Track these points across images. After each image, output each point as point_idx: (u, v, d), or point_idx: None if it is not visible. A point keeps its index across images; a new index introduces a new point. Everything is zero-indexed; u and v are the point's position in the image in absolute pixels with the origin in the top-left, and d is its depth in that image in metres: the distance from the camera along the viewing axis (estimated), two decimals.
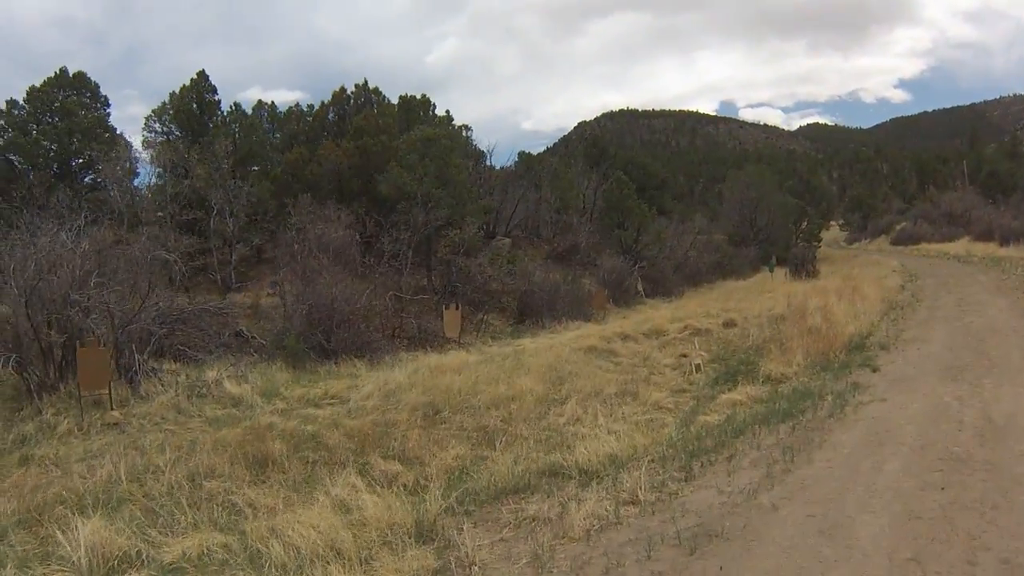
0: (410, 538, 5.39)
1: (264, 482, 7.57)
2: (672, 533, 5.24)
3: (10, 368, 12.14)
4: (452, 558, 5.05)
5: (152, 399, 12.45)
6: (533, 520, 5.74)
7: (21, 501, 7.05)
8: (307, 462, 8.33)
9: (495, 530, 5.63)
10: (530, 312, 22.72)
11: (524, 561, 5.02)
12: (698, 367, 13.33)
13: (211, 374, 13.81)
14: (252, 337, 17.93)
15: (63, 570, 5.27)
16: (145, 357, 13.80)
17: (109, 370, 12.19)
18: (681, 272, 34.79)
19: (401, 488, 6.79)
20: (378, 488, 6.79)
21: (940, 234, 51.63)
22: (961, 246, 42.62)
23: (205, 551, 5.54)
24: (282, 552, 5.20)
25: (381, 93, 34.03)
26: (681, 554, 4.93)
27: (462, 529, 5.49)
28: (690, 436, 8.09)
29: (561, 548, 5.17)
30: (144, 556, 5.52)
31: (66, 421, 11.00)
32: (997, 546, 4.84)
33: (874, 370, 10.81)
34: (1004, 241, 36.66)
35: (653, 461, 6.94)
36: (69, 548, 5.43)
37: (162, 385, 13.28)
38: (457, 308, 19.17)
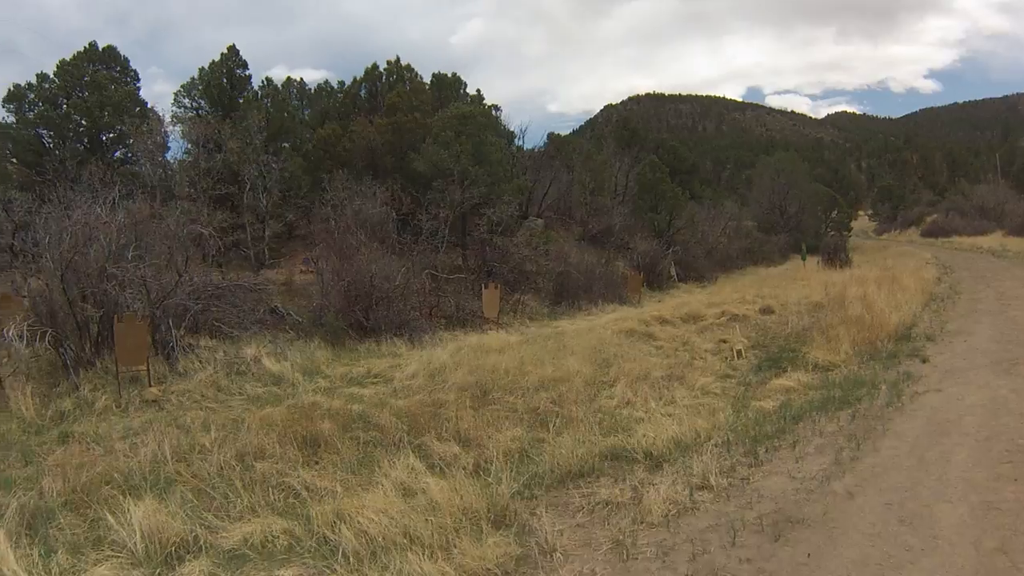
0: (487, 523, 5.32)
1: (317, 463, 7.31)
2: (752, 519, 5.26)
3: (46, 343, 11.90)
4: (533, 544, 5.01)
5: (190, 376, 12.31)
6: (606, 505, 5.73)
7: (66, 481, 6.71)
8: (359, 442, 8.06)
9: (568, 515, 5.62)
10: (566, 294, 22.65)
11: (606, 547, 5.02)
12: (740, 353, 13.25)
13: (249, 351, 13.64)
14: (288, 314, 17.98)
15: (118, 556, 5.06)
16: (181, 333, 13.72)
17: (147, 345, 12.06)
18: (712, 257, 34.65)
19: (461, 471, 6.70)
20: (438, 470, 6.74)
21: (972, 227, 51.07)
22: (994, 240, 42.22)
23: (268, 537, 5.36)
24: (353, 539, 5.07)
25: (414, 70, 33.88)
26: (765, 540, 4.95)
27: (536, 514, 5.49)
28: (748, 421, 8.07)
29: (642, 534, 5.17)
30: (202, 542, 5.32)
31: (104, 397, 10.80)
32: None
33: (924, 361, 10.79)
34: None
35: (717, 445, 6.94)
36: (124, 533, 5.30)
37: (200, 362, 13.10)
38: (496, 288, 19.13)
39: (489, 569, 4.62)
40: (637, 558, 4.83)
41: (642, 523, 5.33)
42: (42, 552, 5.04)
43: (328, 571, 4.66)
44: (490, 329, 17.13)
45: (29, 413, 9.93)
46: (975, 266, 27.76)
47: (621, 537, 5.10)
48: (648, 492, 5.77)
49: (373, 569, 4.61)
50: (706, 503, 5.63)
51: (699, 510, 5.52)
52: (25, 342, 11.73)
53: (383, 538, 5.06)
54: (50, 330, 11.95)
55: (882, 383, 9.37)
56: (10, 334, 11.74)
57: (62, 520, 5.79)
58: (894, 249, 43.78)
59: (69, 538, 5.49)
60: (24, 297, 13.73)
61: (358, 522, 5.26)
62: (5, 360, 11.61)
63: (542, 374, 11.08)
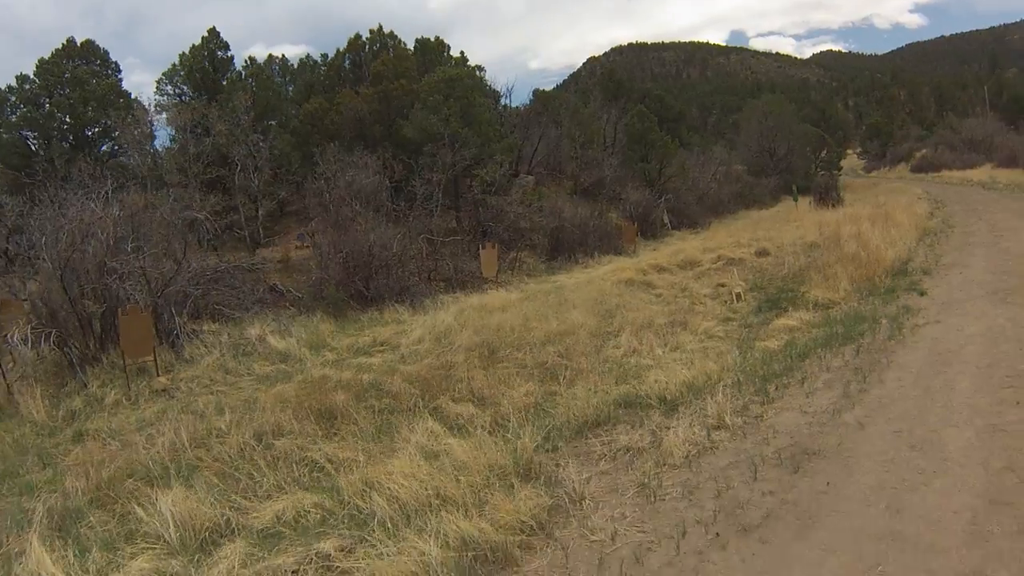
0: (516, 478, 5.39)
1: (336, 435, 7.29)
2: (770, 454, 5.45)
3: (51, 344, 11.76)
4: (562, 494, 5.11)
5: (197, 361, 12.24)
6: (627, 451, 5.87)
7: (88, 479, 6.62)
8: (374, 411, 8.06)
9: (591, 463, 5.74)
10: (562, 248, 22.79)
11: (632, 492, 5.15)
12: (739, 296, 13.40)
13: (253, 331, 13.60)
14: (287, 291, 18.06)
15: (153, 547, 5.02)
16: (184, 319, 13.71)
17: (152, 335, 11.95)
18: (704, 204, 34.70)
19: (480, 429, 6.73)
20: (457, 431, 6.83)
21: (962, 161, 51.30)
22: (984, 173, 42.34)
23: (300, 512, 5.36)
24: (385, 505, 5.09)
25: (397, 37, 33.53)
26: (785, 473, 5.13)
27: (560, 465, 5.62)
28: (756, 361, 8.25)
29: (665, 476, 5.32)
30: (234, 524, 5.32)
31: (113, 392, 10.67)
32: None
33: (921, 294, 10.96)
34: None
35: (728, 386, 7.09)
36: (157, 524, 5.26)
37: (205, 347, 13.04)
38: (494, 247, 19.20)
39: (524, 521, 4.71)
40: (664, 499, 4.98)
41: (664, 465, 5.48)
42: (76, 552, 5.00)
43: (366, 539, 4.68)
44: (490, 288, 17.22)
45: (40, 416, 9.82)
46: (966, 199, 27.90)
47: (646, 480, 5.24)
48: (667, 435, 5.91)
49: (410, 531, 4.65)
50: (724, 442, 5.80)
51: (718, 449, 5.69)
52: (29, 345, 11.65)
53: (414, 501, 5.10)
54: (53, 330, 11.83)
55: (883, 318, 9.53)
56: (14, 338, 11.70)
57: (92, 518, 5.77)
58: (885, 186, 43.83)
59: (101, 535, 5.47)
60: (24, 300, 13.54)
61: (388, 488, 5.30)
62: (11, 365, 11.47)
63: (547, 329, 11.21)
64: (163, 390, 10.87)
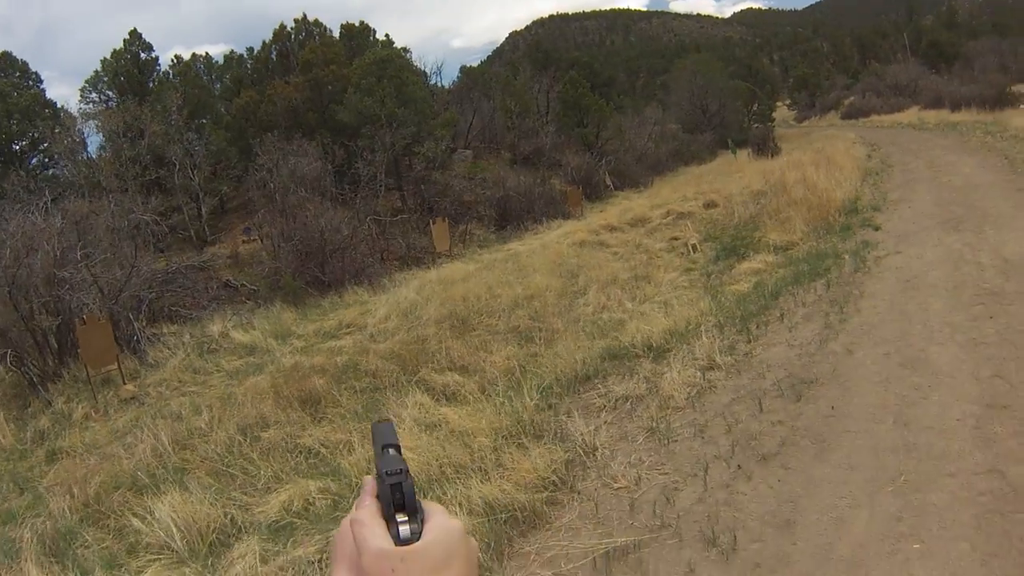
0: (525, 437, 5.35)
1: (323, 419, 7.14)
2: (769, 387, 5.52)
3: (7, 364, 11.23)
4: (574, 448, 5.08)
5: (163, 365, 11.87)
6: (626, 400, 5.87)
7: (73, 497, 6.28)
8: (356, 391, 7.95)
9: (594, 415, 5.72)
10: (510, 217, 22.74)
11: (643, 437, 5.17)
12: (694, 247, 13.56)
13: (215, 328, 13.33)
14: (241, 285, 17.74)
15: (159, 558, 4.77)
16: (143, 324, 13.30)
17: (113, 343, 11.42)
18: (643, 163, 34.80)
19: (470, 396, 6.69)
20: (445, 401, 6.77)
21: (889, 105, 52.19)
22: (912, 115, 43.19)
23: (308, 500, 5.18)
24: None
25: (323, 25, 33.03)
26: (789, 403, 5.21)
27: (565, 418, 5.58)
28: (730, 304, 8.33)
29: (672, 418, 5.35)
30: (240, 522, 5.12)
31: (80, 406, 10.18)
32: None
33: (876, 228, 11.20)
34: (955, 107, 37.04)
35: (709, 329, 7.13)
36: (160, 532, 4.99)
37: (168, 349, 12.70)
38: (444, 221, 19.08)
39: (544, 477, 4.68)
40: (676, 440, 5.01)
41: (668, 408, 5.51)
42: (78, 574, 4.82)
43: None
44: (445, 262, 17.14)
45: (8, 439, 9.34)
46: (899, 140, 28.41)
47: (653, 425, 5.26)
48: (662, 381, 5.95)
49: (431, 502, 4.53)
50: (720, 380, 5.86)
51: (716, 388, 5.74)
52: None
53: (424, 472, 5.02)
54: (8, 351, 11.26)
55: (844, 253, 9.71)
56: None
57: (86, 537, 5.47)
58: (818, 134, 44.44)
59: (100, 553, 5.19)
60: None
61: None
62: None
63: (512, 294, 11.19)
64: (132, 398, 10.49)
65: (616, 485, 4.53)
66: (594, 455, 4.99)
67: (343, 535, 0.78)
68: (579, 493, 4.54)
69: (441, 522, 0.76)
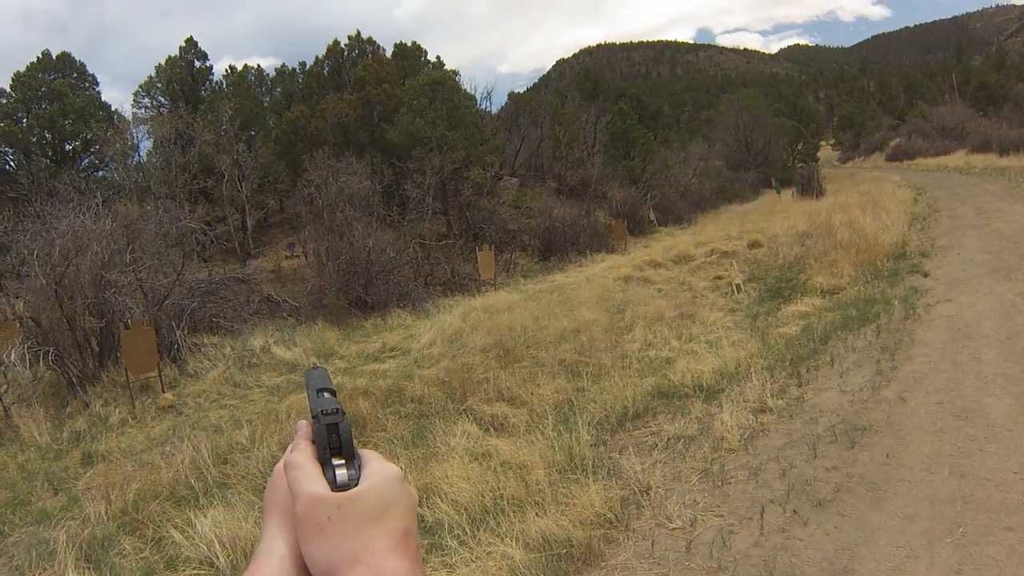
0: (579, 472, 5.37)
1: (368, 442, 6.93)
2: (823, 432, 5.55)
3: (48, 363, 11.25)
4: (629, 485, 5.11)
5: (202, 375, 11.87)
6: (678, 439, 5.91)
7: (110, 503, 6.16)
8: (401, 416, 7.90)
9: (646, 453, 5.76)
10: (554, 248, 22.90)
11: (696, 478, 5.22)
12: (738, 287, 13.57)
13: (256, 342, 13.34)
14: (284, 300, 17.99)
15: (198, 573, 4.76)
16: (184, 333, 13.37)
17: (156, 350, 11.32)
18: (687, 199, 34.96)
19: (519, 428, 6.73)
20: (494, 432, 6.77)
21: (935, 148, 51.92)
22: (959, 158, 42.92)
23: None
24: (451, 510, 4.93)
25: (376, 43, 33.67)
26: (843, 449, 5.24)
27: (613, 457, 5.66)
28: (779, 347, 8.38)
29: (725, 460, 5.39)
30: None
31: (117, 411, 10.14)
32: None
33: (925, 275, 11.15)
34: (1003, 151, 36.87)
35: (759, 372, 7.17)
36: (203, 547, 4.91)
37: (208, 360, 12.67)
38: (490, 249, 19.22)
39: (601, 514, 4.71)
40: (731, 482, 5.05)
41: (721, 450, 5.55)
42: None
43: (444, 544, 4.55)
44: (488, 290, 17.28)
45: (44, 439, 9.27)
46: (946, 184, 28.18)
47: (707, 466, 5.31)
48: (714, 422, 6.00)
49: (486, 533, 4.58)
50: (772, 424, 5.90)
51: (769, 431, 5.78)
52: (27, 364, 11.24)
53: (478, 504, 5.02)
54: (51, 349, 11.33)
55: (894, 299, 9.73)
56: (11, 359, 11.16)
57: (125, 545, 5.35)
58: (863, 175, 44.25)
59: (138, 564, 5.09)
60: (16, 320, 12.92)
61: (446, 493, 5.16)
62: (5, 387, 10.86)
63: (559, 327, 11.24)
64: (170, 406, 10.45)
65: (671, 525, 4.57)
66: (648, 494, 5.03)
67: (276, 480, 0.76)
68: (634, 532, 4.58)
69: (379, 468, 0.74)
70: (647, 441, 6.04)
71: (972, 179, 29.85)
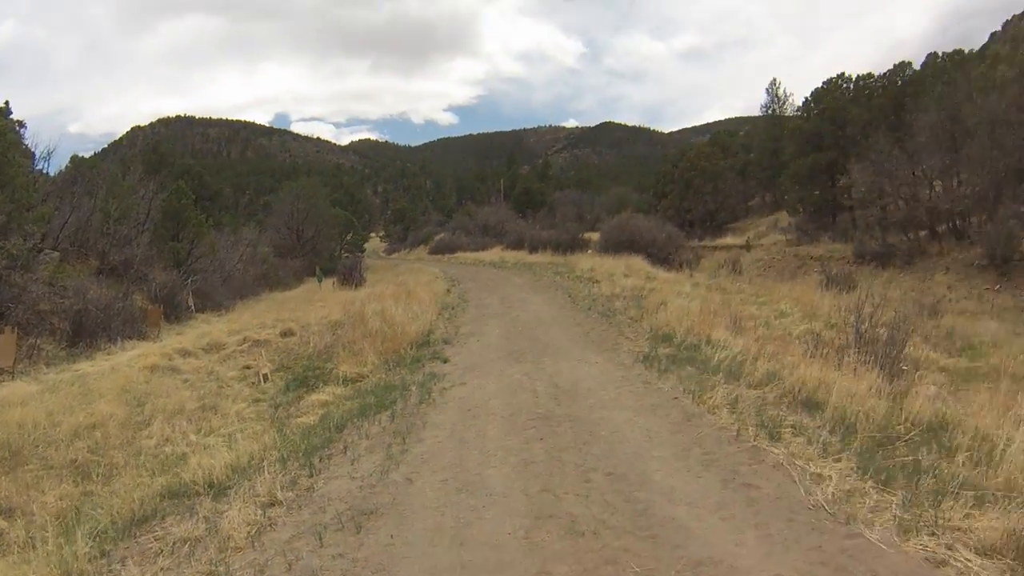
0: None
1: None
2: (331, 520, 5.53)
3: None
4: None
5: None
6: (185, 542, 5.53)
7: None
8: None
9: (149, 561, 5.31)
10: (84, 333, 20.50)
11: None
12: (265, 377, 13.60)
13: None
14: None
15: None
16: None
17: None
18: (229, 285, 34.05)
19: (14, 545, 6.06)
20: None
21: (476, 244, 56.94)
22: (495, 254, 47.25)
23: None
24: None
25: None
26: (349, 535, 5.27)
27: (112, 570, 5.20)
28: (296, 437, 8.33)
29: (232, 560, 5.12)
30: None
31: None
32: (599, 467, 6.28)
33: (444, 361, 11.88)
34: (533, 248, 41.76)
35: (273, 464, 7.04)
36: None
37: None
38: (13, 331, 16.75)
39: None
40: None
41: (228, 550, 5.27)
42: None
43: None
44: (4, 380, 15.04)
45: None
46: (480, 277, 30.67)
47: (212, 568, 5.00)
48: (222, 520, 5.71)
49: None
50: (281, 517, 5.74)
51: (277, 525, 5.61)
52: None
53: None
54: None
55: (412, 385, 10.15)
56: None
57: None
58: (405, 266, 47.33)
59: None
60: None
61: None
62: None
63: (74, 422, 10.32)
64: None
65: None
66: None
67: None
68: None
69: None
70: (152, 547, 5.56)
71: (504, 272, 32.96)
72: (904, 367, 10.72)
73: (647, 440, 6.96)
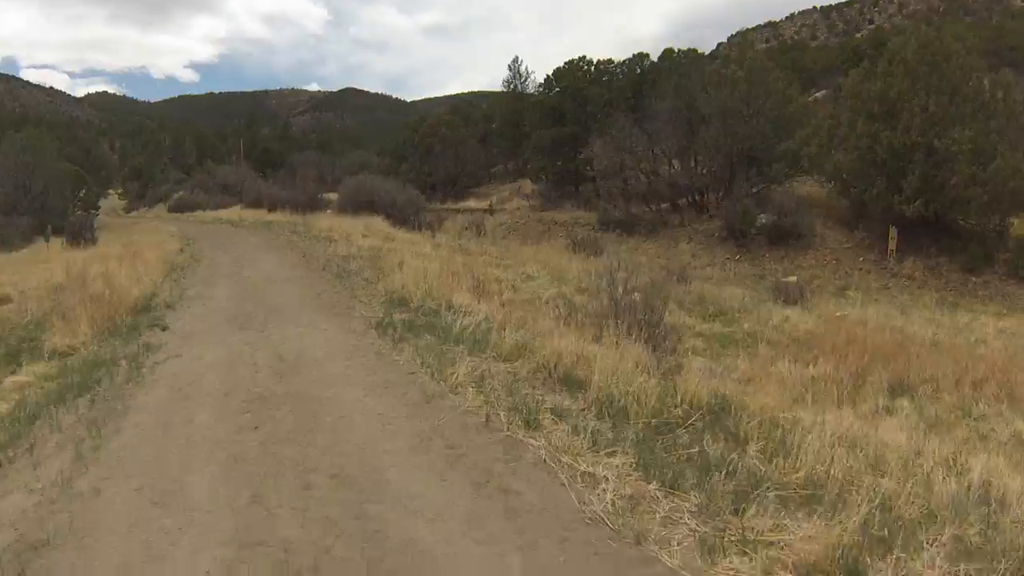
0: None
1: None
2: None
3: None
4: None
5: None
6: None
7: None
8: None
9: None
10: None
11: None
12: None
13: None
14: None
15: None
16: None
17: None
18: None
19: None
20: None
21: (215, 202, 56.79)
22: (234, 212, 46.09)
23: None
24: None
25: None
26: None
27: None
28: None
29: None
30: None
31: None
32: (323, 466, 5.21)
33: (164, 329, 10.47)
34: (271, 208, 40.73)
35: None
36: None
37: None
38: None
39: None
40: None
41: None
42: None
43: None
44: None
45: None
46: (216, 235, 29.04)
47: None
48: None
49: None
50: None
51: None
52: None
53: None
54: None
55: (122, 359, 8.66)
56: None
57: None
58: (143, 225, 44.49)
59: None
60: None
61: None
62: None
63: None
64: None
65: None
66: None
67: None
68: None
69: None
70: None
71: (241, 231, 31.51)
72: (667, 341, 10.13)
73: (380, 428, 6.05)
